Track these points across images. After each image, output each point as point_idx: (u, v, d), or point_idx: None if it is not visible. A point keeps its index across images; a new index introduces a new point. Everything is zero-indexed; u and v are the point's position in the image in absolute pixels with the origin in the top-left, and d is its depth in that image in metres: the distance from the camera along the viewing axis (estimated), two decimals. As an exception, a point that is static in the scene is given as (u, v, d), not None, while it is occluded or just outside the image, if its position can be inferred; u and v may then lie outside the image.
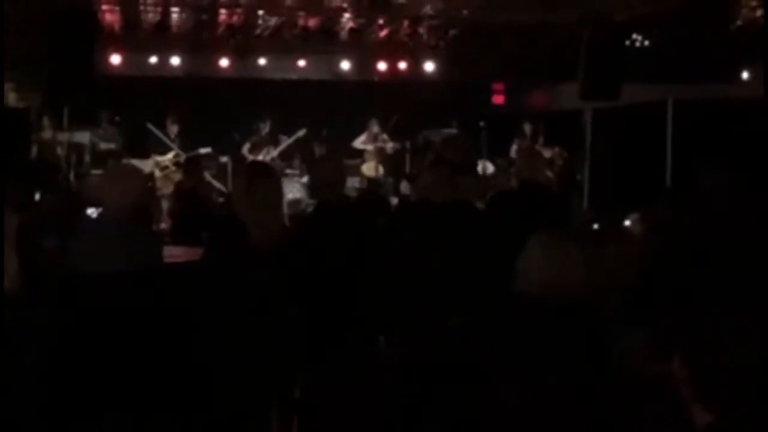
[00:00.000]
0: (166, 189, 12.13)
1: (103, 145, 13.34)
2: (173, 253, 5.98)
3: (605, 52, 11.81)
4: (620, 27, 12.27)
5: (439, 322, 4.76)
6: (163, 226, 8.71)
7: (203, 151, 13.33)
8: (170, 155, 13.22)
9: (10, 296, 4.85)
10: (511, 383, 3.62)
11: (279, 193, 5.03)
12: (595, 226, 10.25)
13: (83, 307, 4.70)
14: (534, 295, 3.61)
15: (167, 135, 13.45)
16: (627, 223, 9.18)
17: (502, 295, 3.94)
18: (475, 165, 5.15)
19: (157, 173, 12.85)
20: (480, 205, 5.85)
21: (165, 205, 11.58)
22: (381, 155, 14.60)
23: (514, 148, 13.92)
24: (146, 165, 12.78)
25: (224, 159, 14.14)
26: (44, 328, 4.82)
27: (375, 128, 14.67)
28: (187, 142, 13.41)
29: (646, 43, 13.05)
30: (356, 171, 14.29)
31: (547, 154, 12.38)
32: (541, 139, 13.76)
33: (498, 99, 16.94)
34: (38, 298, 4.96)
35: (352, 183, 13.34)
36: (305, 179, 13.72)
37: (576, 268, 3.65)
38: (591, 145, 13.68)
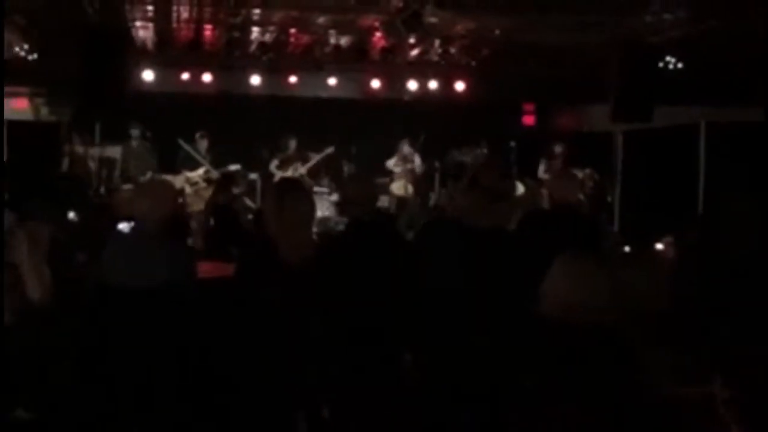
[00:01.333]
0: (196, 205, 12.19)
1: (134, 161, 13.41)
2: (205, 268, 5.98)
3: (637, 74, 11.79)
4: (652, 49, 12.23)
5: (466, 340, 4.73)
6: (190, 241, 8.73)
7: (233, 168, 13.41)
8: (200, 171, 13.29)
9: (43, 307, 4.91)
10: (538, 405, 3.59)
11: (310, 210, 5.02)
12: (626, 249, 10.21)
13: (115, 321, 4.70)
14: (558, 317, 3.58)
15: (197, 151, 13.51)
16: (659, 246, 9.13)
17: (529, 316, 3.91)
18: (512, 190, 5.12)
19: (188, 189, 12.90)
20: (511, 225, 5.82)
21: (194, 220, 11.64)
22: (411, 175, 14.59)
23: (541, 168, 13.89)
24: (177, 180, 12.86)
25: (253, 176, 14.20)
26: (76, 341, 4.86)
27: (406, 149, 14.67)
28: (217, 158, 13.48)
29: (679, 65, 12.97)
30: (385, 189, 14.29)
31: (578, 175, 12.33)
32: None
33: (528, 120, 16.95)
34: (70, 310, 4.99)
35: (381, 202, 13.33)
36: (334, 197, 13.75)
37: (602, 290, 3.62)
38: (622, 167, 13.62)
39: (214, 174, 13.08)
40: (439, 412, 4.65)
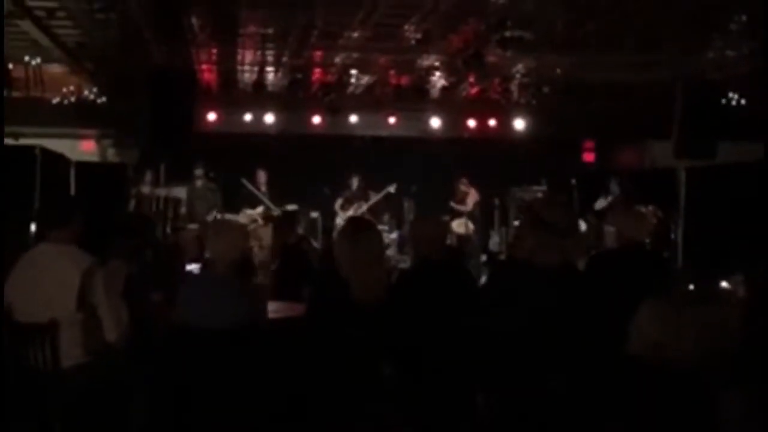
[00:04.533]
0: (255, 243, 12.30)
1: (199, 200, 13.59)
2: (274, 308, 6.04)
3: (700, 110, 11.72)
4: (715, 85, 12.16)
5: (541, 381, 4.70)
6: (257, 280, 8.80)
7: (290, 207, 13.52)
8: (259, 210, 13.42)
9: (120, 348, 5.00)
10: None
11: (381, 248, 5.06)
12: (691, 287, 10.07)
13: (190, 361, 4.77)
14: (647, 357, 3.58)
15: (257, 188, 13.66)
16: (724, 284, 9.00)
17: (606, 356, 3.90)
18: (578, 227, 5.10)
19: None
20: (580, 264, 5.79)
21: (255, 259, 11.76)
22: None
23: (600, 202, 13.81)
24: (241, 219, 13.03)
25: (314, 215, 14.31)
26: (152, 381, 4.93)
27: (463, 187, 14.67)
28: (276, 197, 13.60)
29: (742, 101, 12.87)
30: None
31: (645, 214, 12.22)
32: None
33: (588, 157, 16.89)
34: (146, 350, 5.08)
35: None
36: (394, 235, 13.78)
37: (690, 332, 3.61)
38: (685, 204, 13.48)
39: (275, 212, 13.20)
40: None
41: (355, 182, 14.21)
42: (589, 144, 16.86)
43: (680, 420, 3.48)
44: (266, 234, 12.31)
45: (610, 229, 11.79)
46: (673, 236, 13.39)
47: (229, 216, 12.80)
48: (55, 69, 12.67)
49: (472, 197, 14.59)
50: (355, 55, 12.02)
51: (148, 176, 13.03)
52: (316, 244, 13.50)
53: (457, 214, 14.55)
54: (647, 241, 12.14)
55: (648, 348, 3.62)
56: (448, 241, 13.84)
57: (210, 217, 12.94)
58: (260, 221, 13.31)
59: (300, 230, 13.04)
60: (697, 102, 11.70)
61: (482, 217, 14.79)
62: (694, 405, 3.50)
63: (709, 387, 3.74)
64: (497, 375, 4.89)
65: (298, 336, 4.85)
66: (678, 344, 3.57)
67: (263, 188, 13.75)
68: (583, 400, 3.95)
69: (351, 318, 4.59)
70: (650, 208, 13.15)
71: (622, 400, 3.62)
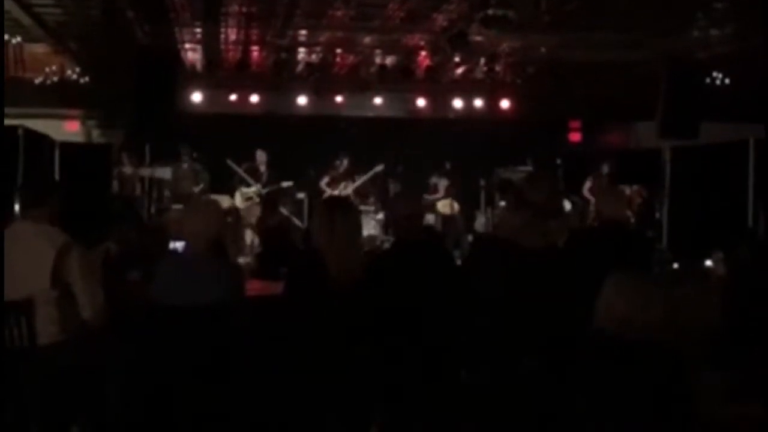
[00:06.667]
0: (251, 219, 12.33)
1: (184, 181, 13.57)
2: (253, 287, 6.05)
3: (684, 90, 11.73)
4: (699, 65, 12.16)
5: (515, 362, 4.71)
6: (241, 260, 8.81)
7: (285, 184, 13.53)
8: (254, 188, 13.41)
9: (97, 327, 4.99)
10: (589, 423, 3.59)
11: (358, 228, 5.05)
12: (675, 266, 10.11)
13: (166, 338, 4.77)
14: (612, 333, 3.59)
15: (254, 168, 13.64)
16: (708, 262, 9.03)
17: (580, 334, 3.90)
18: (562, 207, 5.08)
19: (240, 204, 13.05)
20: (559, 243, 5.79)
21: (249, 235, 11.78)
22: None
23: (587, 185, 13.84)
24: (224, 200, 13.02)
25: (300, 195, 14.30)
26: (129, 359, 4.93)
27: (434, 179, 14.67)
28: (270, 177, 13.57)
29: (726, 81, 12.88)
30: (431, 208, 14.29)
31: (625, 192, 12.26)
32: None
33: (574, 137, 16.90)
34: (123, 329, 5.07)
35: (427, 220, 13.34)
36: (380, 216, 13.79)
37: (655, 308, 3.61)
38: (670, 184, 13.51)
39: (262, 192, 13.21)
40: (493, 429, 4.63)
41: (345, 162, 14.17)
42: (575, 124, 16.86)
43: (644, 396, 3.48)
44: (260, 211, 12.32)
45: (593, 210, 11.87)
46: (657, 215, 13.45)
47: (216, 196, 12.78)
48: (38, 49, 12.59)
49: (443, 185, 14.58)
50: (339, 34, 11.98)
51: (130, 157, 13.00)
52: (300, 224, 13.51)
53: (444, 195, 14.55)
54: (632, 220, 12.24)
55: (613, 322, 3.62)
56: (433, 222, 13.89)
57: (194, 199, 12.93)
58: (256, 199, 13.30)
59: (285, 211, 13.08)
60: (681, 82, 11.71)
61: (467, 198, 14.79)
62: (660, 381, 3.50)
63: (684, 363, 3.75)
64: (476, 352, 4.90)
65: (275, 314, 4.85)
66: (643, 320, 3.57)
67: (262, 168, 13.71)
68: (556, 377, 3.96)
69: (326, 297, 4.58)
70: (634, 188, 13.22)
71: (589, 375, 3.62)
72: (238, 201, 13.30)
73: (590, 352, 3.66)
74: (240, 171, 13.56)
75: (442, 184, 14.62)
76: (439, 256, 5.35)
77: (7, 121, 11.32)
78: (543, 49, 12.72)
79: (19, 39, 11.96)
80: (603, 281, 3.81)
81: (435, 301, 4.85)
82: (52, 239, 4.92)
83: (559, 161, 14.22)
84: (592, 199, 13.07)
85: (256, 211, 12.56)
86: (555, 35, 11.66)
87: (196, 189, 13.43)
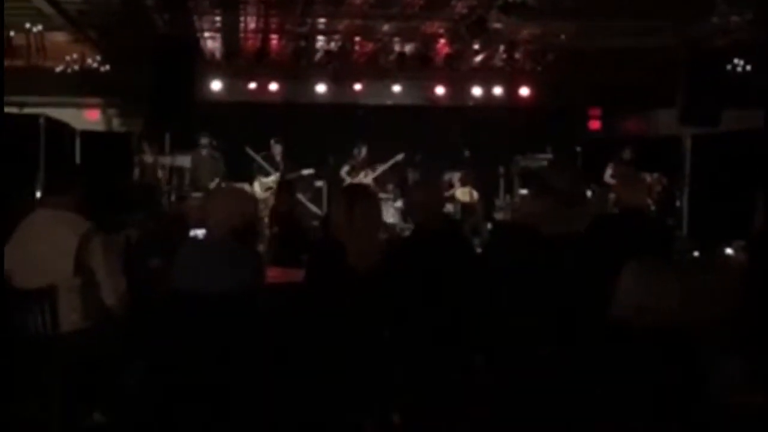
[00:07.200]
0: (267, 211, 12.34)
1: (203, 169, 13.61)
2: (271, 274, 6.06)
3: (705, 77, 11.66)
4: (720, 52, 12.08)
5: (531, 349, 4.72)
6: (261, 247, 8.84)
7: (305, 172, 13.55)
8: (273, 177, 13.43)
9: (119, 314, 5.03)
10: (606, 410, 3.59)
11: (379, 215, 5.06)
12: (695, 254, 10.09)
13: (187, 325, 4.79)
14: (630, 320, 3.59)
15: (272, 156, 13.66)
16: (728, 250, 9.02)
17: (598, 320, 3.91)
18: (584, 194, 5.05)
19: (260, 194, 13.07)
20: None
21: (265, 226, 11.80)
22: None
23: (608, 172, 13.78)
24: (254, 187, 13.09)
25: (319, 183, 14.30)
26: (150, 345, 4.96)
27: (467, 154, 14.64)
28: (288, 165, 13.59)
29: (747, 67, 12.78)
30: (450, 197, 14.28)
31: (645, 179, 12.21)
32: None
33: (594, 124, 16.83)
34: (144, 315, 5.10)
35: (446, 208, 13.33)
36: (399, 204, 13.78)
37: (673, 295, 3.61)
38: (690, 172, 13.46)
39: (287, 179, 13.20)
40: (509, 416, 4.65)
41: (363, 151, 14.14)
42: (595, 111, 16.79)
43: (660, 383, 3.48)
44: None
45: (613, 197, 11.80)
46: (678, 203, 13.40)
47: (239, 185, 12.80)
48: (58, 37, 12.65)
49: (456, 177, 14.53)
50: (358, 22, 11.97)
51: (151, 145, 13.04)
52: (319, 212, 13.52)
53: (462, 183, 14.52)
54: (652, 207, 12.20)
55: (630, 311, 3.62)
56: (452, 210, 13.88)
57: (213, 185, 12.96)
58: (275, 188, 13.30)
59: (304, 198, 13.09)
60: (701, 69, 11.64)
61: (486, 186, 14.76)
62: (676, 367, 3.51)
63: (700, 350, 3.75)
64: (494, 339, 4.92)
65: (295, 300, 4.87)
66: (660, 307, 3.56)
67: (278, 157, 13.73)
68: (572, 363, 3.96)
69: (346, 284, 4.60)
70: (655, 175, 13.17)
71: (607, 360, 3.63)
72: (258, 190, 13.31)
73: (608, 338, 3.66)
74: (259, 159, 13.58)
75: (456, 177, 14.58)
76: (457, 243, 5.36)
77: (29, 110, 11.44)
78: (562, 36, 12.66)
79: (40, 27, 12.02)
80: (619, 267, 3.81)
81: (453, 288, 4.86)
82: (75, 226, 4.95)
83: (578, 149, 14.17)
84: (613, 186, 13.02)
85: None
86: (574, 22, 11.61)
87: (215, 177, 13.45)
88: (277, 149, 13.72)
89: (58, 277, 4.84)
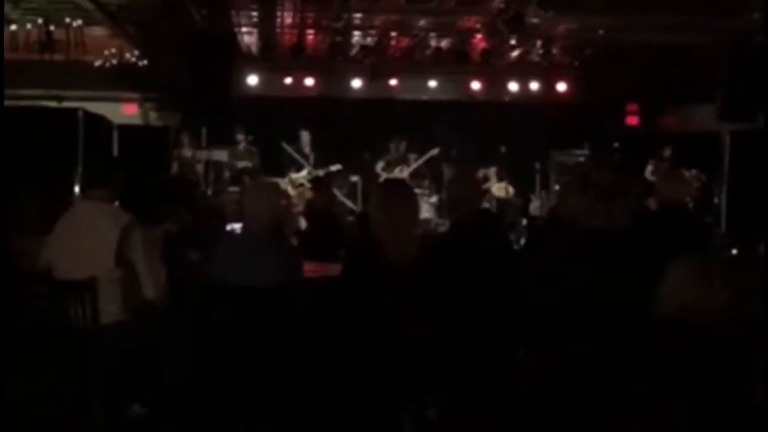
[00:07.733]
0: (301, 206, 12.35)
1: (240, 164, 13.67)
2: (308, 269, 6.06)
3: (744, 73, 11.53)
4: (760, 48, 11.94)
5: (567, 349, 4.68)
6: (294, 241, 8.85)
7: (334, 168, 13.55)
8: (304, 172, 13.45)
9: (158, 307, 5.06)
10: (652, 407, 3.56)
11: (416, 210, 5.05)
12: (734, 251, 9.97)
13: (226, 319, 4.81)
14: (675, 317, 3.55)
15: (301, 152, 13.68)
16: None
17: (641, 316, 3.87)
18: (626, 191, 5.01)
19: (291, 191, 13.09)
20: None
21: (300, 221, 11.82)
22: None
23: (649, 169, 13.66)
24: (282, 183, 13.08)
25: (354, 178, 14.31)
26: (189, 338, 4.99)
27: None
28: (319, 159, 13.62)
29: (788, 63, 12.61)
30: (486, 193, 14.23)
31: (686, 176, 12.10)
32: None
33: (632, 120, 16.69)
34: (184, 308, 5.13)
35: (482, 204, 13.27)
36: (434, 199, 13.76)
37: (721, 293, 3.57)
38: (729, 169, 13.31)
39: (317, 174, 13.23)
40: (549, 415, 4.62)
41: (401, 146, 14.12)
42: (632, 107, 16.65)
43: (705, 380, 3.45)
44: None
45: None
46: (716, 200, 13.25)
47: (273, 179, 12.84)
48: (97, 32, 12.76)
49: (492, 173, 14.45)
50: (394, 17, 11.97)
51: (188, 139, 13.12)
52: (355, 207, 13.53)
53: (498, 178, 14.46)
54: (690, 204, 12.07)
55: (676, 309, 3.58)
56: (488, 205, 13.82)
57: (252, 181, 13.00)
58: (307, 185, 13.33)
59: (340, 194, 13.10)
60: (741, 65, 11.51)
61: (522, 181, 14.69)
62: (722, 366, 3.46)
63: (746, 349, 3.70)
64: (536, 335, 4.89)
65: (333, 295, 4.87)
66: (708, 305, 3.52)
67: (306, 149, 13.74)
68: (612, 363, 3.93)
69: (384, 279, 4.59)
70: (693, 172, 13.04)
71: (651, 358, 3.59)
72: (288, 186, 13.32)
73: (653, 335, 3.62)
74: (295, 154, 13.60)
75: (492, 172, 14.52)
76: (497, 238, 5.34)
77: (67, 104, 11.55)
78: (600, 31, 12.59)
79: (80, 22, 12.13)
80: (662, 264, 3.77)
81: (494, 284, 4.84)
82: (116, 218, 4.99)
83: (616, 144, 14.08)
84: (655, 183, 12.91)
85: (308, 197, 12.58)
86: (612, 17, 11.53)
87: (251, 171, 13.51)
88: (306, 138, 13.70)
89: (99, 269, 4.87)
